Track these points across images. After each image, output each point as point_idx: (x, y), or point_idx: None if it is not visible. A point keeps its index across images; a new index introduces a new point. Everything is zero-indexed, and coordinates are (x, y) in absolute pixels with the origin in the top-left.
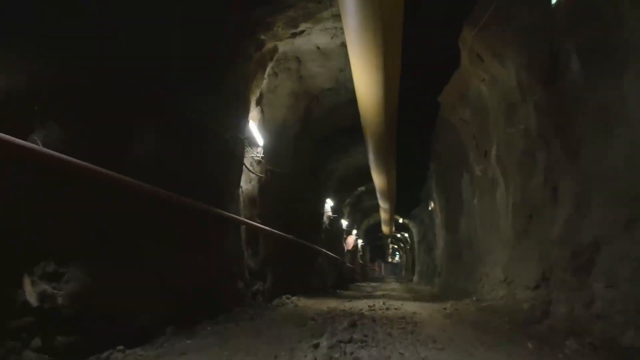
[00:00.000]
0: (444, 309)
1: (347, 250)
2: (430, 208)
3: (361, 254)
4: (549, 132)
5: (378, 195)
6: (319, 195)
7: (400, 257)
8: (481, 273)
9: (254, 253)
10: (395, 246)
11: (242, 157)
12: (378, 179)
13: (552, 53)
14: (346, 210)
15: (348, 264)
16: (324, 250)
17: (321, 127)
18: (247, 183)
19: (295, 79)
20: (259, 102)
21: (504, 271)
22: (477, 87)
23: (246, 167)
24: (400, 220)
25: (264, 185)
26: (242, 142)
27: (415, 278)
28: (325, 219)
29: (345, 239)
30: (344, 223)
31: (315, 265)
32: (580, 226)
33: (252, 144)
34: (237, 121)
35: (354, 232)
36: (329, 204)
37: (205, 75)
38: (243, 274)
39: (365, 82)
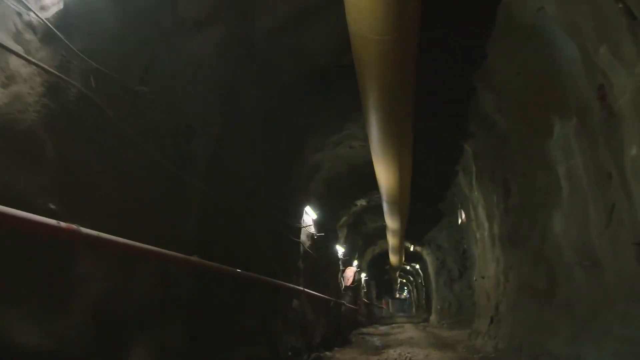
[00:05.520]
0: None
1: (346, 286)
2: (460, 221)
3: (365, 290)
4: None
5: (385, 206)
6: (291, 199)
7: (409, 292)
8: None
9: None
10: (404, 280)
11: None
12: (385, 175)
13: None
14: (342, 233)
15: (348, 305)
16: (303, 289)
17: (280, 59)
18: None
19: None
20: None
21: None
22: None
23: None
24: (411, 248)
25: (80, 110)
26: None
27: (433, 317)
28: (304, 238)
29: (344, 271)
30: (340, 250)
31: (288, 313)
32: None
33: None
34: None
35: (355, 263)
36: (309, 215)
37: None
38: None
39: None
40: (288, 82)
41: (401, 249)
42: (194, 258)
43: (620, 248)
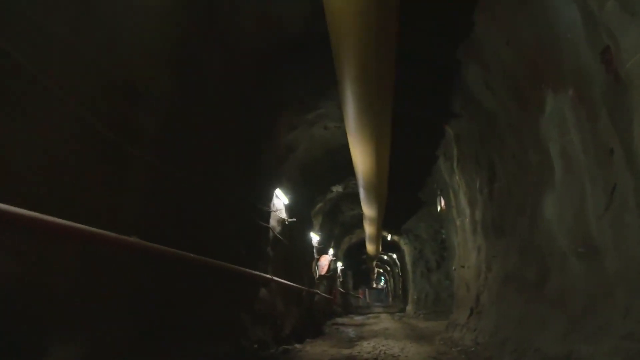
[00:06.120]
0: None
1: (321, 275)
2: (439, 208)
3: (341, 280)
4: None
5: (361, 192)
6: (260, 180)
7: (386, 282)
8: None
9: None
10: (381, 270)
11: None
12: (362, 158)
13: None
14: (317, 220)
15: (323, 294)
16: (272, 277)
17: (246, 23)
18: None
19: None
20: None
21: None
22: None
23: None
24: (389, 238)
25: None
26: None
27: (409, 308)
28: (274, 223)
29: (318, 260)
30: (315, 238)
31: (255, 304)
32: None
33: None
34: None
35: (331, 251)
36: (280, 199)
37: None
38: None
39: None
40: (257, 51)
41: (378, 238)
42: (133, 239)
43: (623, 232)
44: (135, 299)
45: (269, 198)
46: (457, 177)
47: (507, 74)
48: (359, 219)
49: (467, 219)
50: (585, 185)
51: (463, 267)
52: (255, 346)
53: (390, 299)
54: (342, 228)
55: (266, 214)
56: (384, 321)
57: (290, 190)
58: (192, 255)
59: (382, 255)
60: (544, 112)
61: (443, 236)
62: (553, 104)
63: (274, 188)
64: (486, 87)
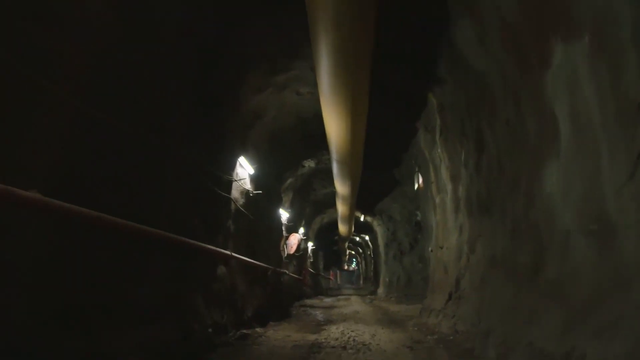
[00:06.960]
0: None
1: (289, 254)
2: (417, 186)
3: (312, 260)
4: None
5: (335, 166)
6: (221, 145)
7: (357, 264)
8: None
9: None
10: (353, 252)
11: None
12: (336, 126)
13: None
14: (287, 196)
15: (292, 275)
16: (232, 254)
17: None
18: None
19: None
20: None
21: None
22: None
23: None
24: (362, 219)
25: None
26: None
27: (380, 290)
28: (237, 194)
29: (287, 238)
30: (284, 215)
31: (212, 283)
32: None
33: None
34: None
35: (301, 230)
36: (245, 168)
37: None
38: None
39: None
40: None
41: (351, 219)
42: (32, 194)
43: None
44: (40, 271)
45: (231, 166)
46: (438, 150)
47: (506, 27)
48: (331, 198)
49: (449, 196)
50: (601, 151)
51: (441, 248)
52: (210, 330)
53: (362, 281)
54: (314, 207)
55: (227, 183)
56: (355, 304)
57: (256, 160)
58: (122, 221)
59: (355, 237)
60: (549, 67)
61: (418, 218)
62: (562, 56)
63: (238, 156)
64: (479, 44)
